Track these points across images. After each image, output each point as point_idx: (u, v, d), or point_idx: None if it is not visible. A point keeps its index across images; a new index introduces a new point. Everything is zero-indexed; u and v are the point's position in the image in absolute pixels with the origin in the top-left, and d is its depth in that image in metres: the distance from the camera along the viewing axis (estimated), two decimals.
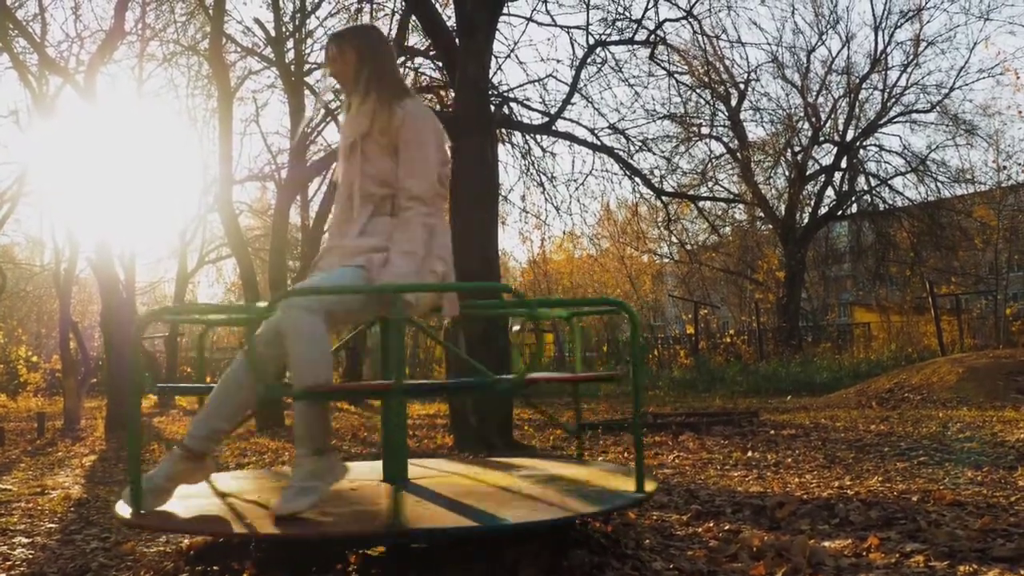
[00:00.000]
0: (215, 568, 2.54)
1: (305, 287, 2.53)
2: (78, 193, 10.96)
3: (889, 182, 19.62)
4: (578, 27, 11.73)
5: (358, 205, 2.72)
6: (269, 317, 2.51)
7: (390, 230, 2.66)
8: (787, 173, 20.49)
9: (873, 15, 30.74)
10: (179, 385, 3.47)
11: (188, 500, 2.70)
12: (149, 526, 2.39)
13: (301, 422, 2.51)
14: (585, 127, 12.58)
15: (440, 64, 10.64)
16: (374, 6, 11.92)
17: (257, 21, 14.52)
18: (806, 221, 20.39)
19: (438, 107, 12.08)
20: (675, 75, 13.13)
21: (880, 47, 19.57)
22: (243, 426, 8.34)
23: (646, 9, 16.43)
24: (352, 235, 2.70)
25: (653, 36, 11.67)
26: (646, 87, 29.39)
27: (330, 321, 2.53)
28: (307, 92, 12.83)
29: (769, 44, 27.06)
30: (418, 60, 12.48)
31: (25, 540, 3.17)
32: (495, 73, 11.58)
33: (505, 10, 8.89)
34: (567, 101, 10.71)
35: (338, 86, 2.90)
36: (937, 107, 19.26)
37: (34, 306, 27.25)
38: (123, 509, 2.53)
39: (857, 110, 20.04)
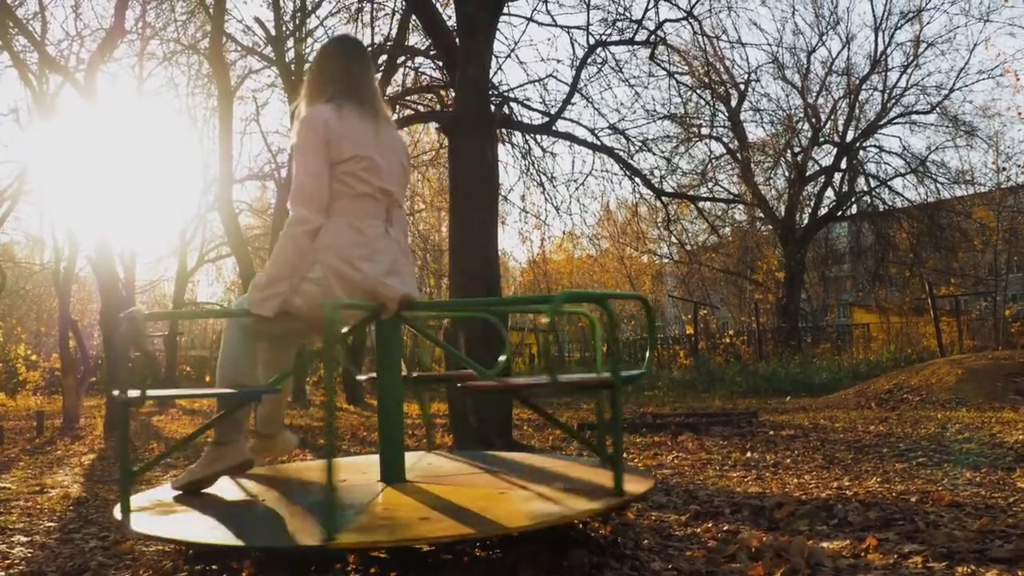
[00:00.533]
0: (214, 567, 2.54)
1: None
2: (78, 192, 10.96)
3: (889, 183, 19.63)
4: (578, 27, 11.73)
5: None
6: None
7: None
8: (787, 174, 20.51)
9: (873, 16, 30.66)
10: (171, 392, 3.50)
11: (189, 500, 2.70)
12: (142, 535, 2.39)
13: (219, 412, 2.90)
14: (585, 127, 12.59)
15: (440, 64, 10.63)
16: (374, 6, 11.90)
17: (257, 20, 14.53)
18: (806, 222, 20.39)
19: (438, 107, 12.09)
20: (675, 75, 13.13)
21: (880, 48, 19.59)
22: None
23: (646, 9, 16.44)
24: None
25: (653, 36, 11.66)
26: (646, 87, 29.46)
27: (259, 336, 2.94)
28: (305, 86, 12.81)
29: (769, 45, 27.01)
30: (418, 60, 12.49)
31: (24, 539, 3.17)
32: (495, 73, 11.58)
33: (505, 10, 8.89)
34: (567, 101, 10.69)
35: None
36: (937, 108, 19.27)
37: (33, 304, 27.26)
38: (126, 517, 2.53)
39: (857, 111, 20.06)
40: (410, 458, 3.26)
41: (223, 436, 2.91)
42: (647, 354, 2.84)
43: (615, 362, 2.50)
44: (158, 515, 2.57)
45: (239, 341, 2.90)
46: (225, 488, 2.96)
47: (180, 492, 2.89)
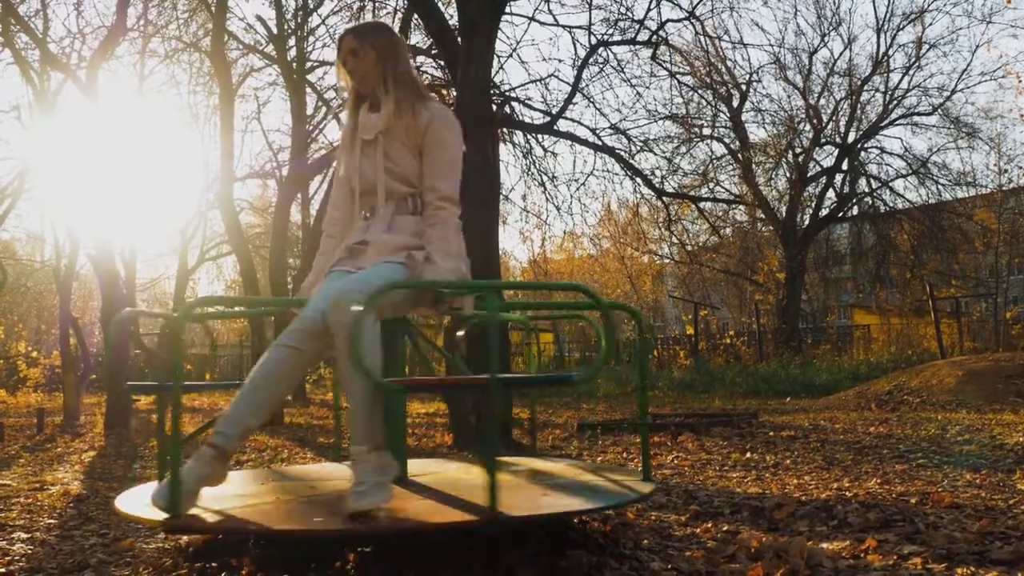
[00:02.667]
0: (214, 564, 2.54)
1: (360, 284, 2.45)
2: (79, 189, 10.96)
3: (890, 184, 19.63)
4: (580, 27, 11.76)
5: (382, 202, 2.74)
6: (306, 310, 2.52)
7: (417, 229, 2.71)
8: (788, 175, 20.50)
9: (875, 17, 30.78)
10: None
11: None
12: (148, 521, 2.39)
13: (359, 420, 2.43)
14: (587, 127, 12.63)
15: (442, 63, 10.65)
16: (376, 4, 11.93)
17: (259, 18, 14.58)
18: (807, 223, 20.39)
19: None
20: (677, 76, 13.15)
21: (882, 49, 19.58)
22: None
23: (648, 9, 16.43)
24: (378, 231, 2.71)
25: (655, 36, 11.68)
26: (648, 87, 29.49)
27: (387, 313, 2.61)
28: (308, 90, 12.83)
29: (771, 45, 27.08)
30: (420, 59, 12.49)
31: (24, 536, 3.17)
32: (497, 72, 11.58)
33: (507, 9, 8.89)
34: (569, 101, 10.72)
35: (341, 83, 2.89)
36: (939, 110, 19.27)
37: (34, 302, 27.26)
38: (125, 505, 2.54)
39: (859, 112, 20.05)
40: (410, 458, 3.26)
41: (381, 439, 2.44)
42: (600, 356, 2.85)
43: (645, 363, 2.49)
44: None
45: (373, 329, 2.45)
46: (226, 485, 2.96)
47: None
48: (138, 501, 2.62)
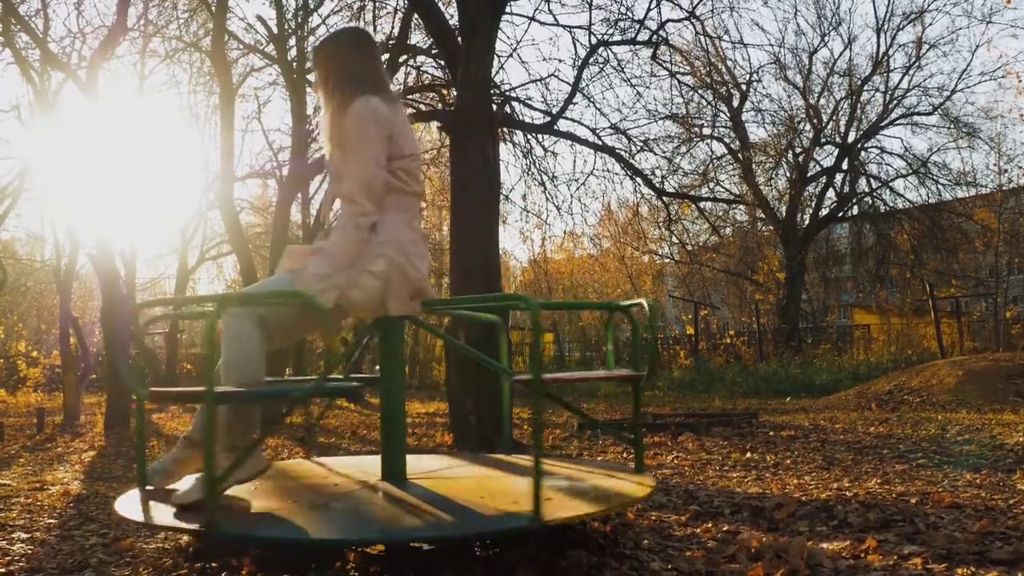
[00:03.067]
0: (214, 565, 2.54)
1: (231, 294, 2.65)
2: (79, 189, 10.95)
3: (890, 184, 19.62)
4: (580, 27, 11.74)
5: (327, 207, 2.85)
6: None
7: None
8: (788, 174, 20.49)
9: (875, 17, 30.73)
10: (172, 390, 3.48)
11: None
12: (150, 524, 2.39)
13: (222, 420, 2.51)
14: (587, 127, 12.61)
15: (442, 63, 10.63)
16: (376, 4, 11.92)
17: (259, 18, 14.57)
18: (807, 222, 20.38)
19: (440, 105, 12.08)
20: (677, 75, 13.12)
21: (882, 49, 19.57)
22: None
23: (648, 9, 16.41)
24: (319, 238, 2.84)
25: (655, 36, 11.66)
26: (648, 87, 29.47)
27: (267, 326, 2.61)
28: (309, 90, 12.82)
29: (771, 45, 26.97)
30: (420, 58, 12.48)
31: (24, 536, 3.17)
32: (497, 72, 11.56)
33: (507, 9, 8.88)
34: (569, 101, 10.69)
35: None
36: (939, 109, 19.25)
37: (34, 302, 27.26)
38: (123, 508, 2.54)
39: (859, 112, 20.04)
40: (410, 457, 3.26)
41: (239, 440, 2.55)
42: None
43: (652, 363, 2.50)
44: (164, 508, 2.57)
45: (252, 336, 2.57)
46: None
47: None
48: (137, 504, 2.62)
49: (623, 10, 12.61)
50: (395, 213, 2.78)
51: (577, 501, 2.45)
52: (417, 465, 3.28)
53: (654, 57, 12.31)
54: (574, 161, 30.36)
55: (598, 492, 2.60)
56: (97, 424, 9.00)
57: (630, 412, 8.80)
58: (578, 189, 13.61)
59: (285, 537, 2.22)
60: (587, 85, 12.18)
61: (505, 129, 11.46)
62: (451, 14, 8.78)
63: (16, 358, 18.45)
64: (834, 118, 20.32)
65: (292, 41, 12.34)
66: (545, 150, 12.91)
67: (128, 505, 2.56)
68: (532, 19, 11.25)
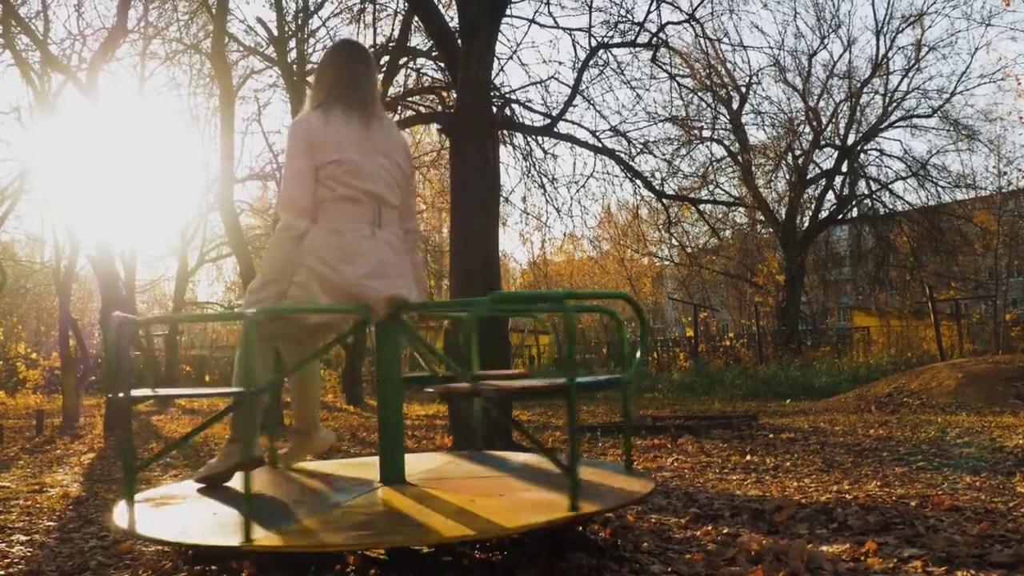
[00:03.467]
0: (213, 568, 2.54)
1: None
2: (79, 190, 10.96)
3: (890, 186, 19.65)
4: (580, 29, 11.75)
5: None
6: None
7: None
8: (788, 177, 20.51)
9: (875, 20, 30.70)
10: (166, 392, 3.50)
11: (183, 503, 2.70)
12: (147, 537, 2.39)
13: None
14: (587, 129, 12.61)
15: (442, 65, 10.65)
16: (376, 7, 11.92)
17: (260, 20, 14.57)
18: (806, 225, 20.39)
19: (440, 107, 12.09)
20: (677, 78, 13.15)
21: (881, 52, 19.60)
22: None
23: (648, 12, 16.39)
24: None
25: (655, 39, 11.67)
26: (648, 90, 29.44)
27: (266, 337, 2.95)
28: (309, 92, 12.83)
29: (771, 48, 27.00)
30: (420, 61, 12.50)
31: (23, 538, 3.17)
32: (497, 74, 11.58)
33: (508, 11, 8.89)
34: (569, 103, 10.70)
35: None
36: (938, 112, 19.28)
37: (34, 303, 27.24)
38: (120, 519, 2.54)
39: (858, 114, 20.07)
40: (410, 459, 3.26)
41: (236, 433, 3.00)
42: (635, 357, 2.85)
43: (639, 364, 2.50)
44: (159, 514, 2.57)
45: (253, 341, 2.87)
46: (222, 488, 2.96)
47: (200, 486, 2.98)
48: (137, 513, 2.62)
49: (623, 12, 12.61)
50: (324, 220, 2.90)
51: (587, 501, 2.45)
52: (416, 467, 3.28)
53: (654, 59, 12.33)
54: (574, 163, 30.39)
55: (601, 491, 2.60)
56: (96, 426, 9.00)
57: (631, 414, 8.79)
58: (578, 191, 13.66)
59: (282, 547, 2.22)
60: (587, 87, 12.20)
61: (505, 131, 11.47)
62: (451, 16, 8.80)
63: (15, 360, 18.44)
64: (833, 120, 20.36)
65: (292, 43, 12.35)
66: (545, 152, 12.94)
67: (121, 516, 2.56)
68: (532, 21, 11.27)
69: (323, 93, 3.07)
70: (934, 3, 24.54)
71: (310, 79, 12.99)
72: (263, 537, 2.20)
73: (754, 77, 18.79)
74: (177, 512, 2.63)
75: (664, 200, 14.17)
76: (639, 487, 2.68)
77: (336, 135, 2.94)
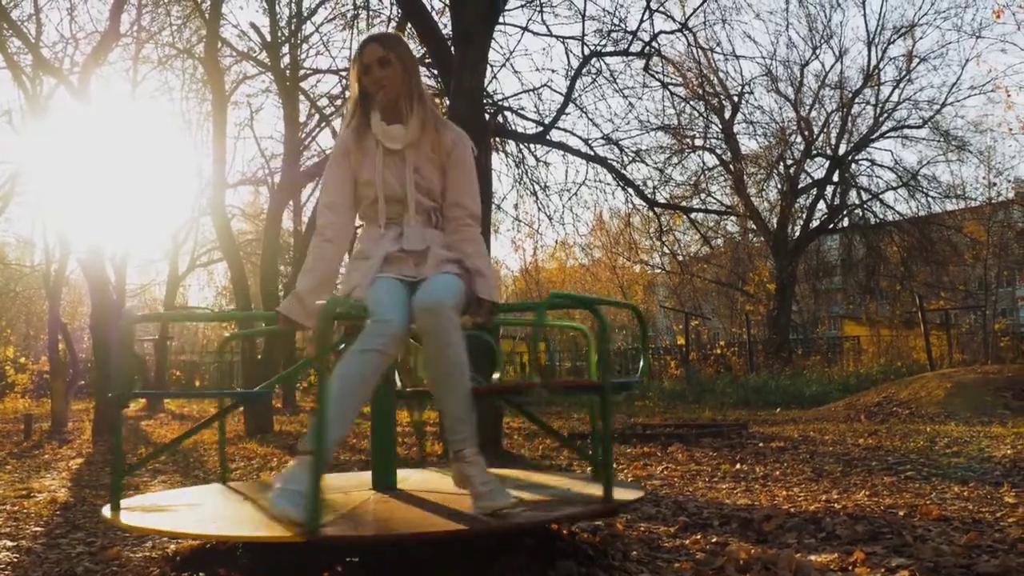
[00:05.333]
0: (201, 574, 2.53)
1: (450, 292, 2.50)
2: (71, 194, 10.93)
3: (880, 196, 19.74)
4: (573, 38, 11.79)
5: (412, 214, 2.73)
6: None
7: (445, 242, 2.74)
8: (779, 186, 20.59)
9: (867, 31, 30.92)
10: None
11: (179, 506, 2.69)
12: (134, 529, 2.38)
13: (466, 422, 2.49)
14: (579, 137, 12.64)
15: (435, 72, 10.65)
16: (370, 13, 11.95)
17: (253, 26, 14.53)
18: (797, 234, 20.47)
19: None
20: (669, 87, 13.19)
21: (873, 62, 19.72)
22: (231, 431, 8.29)
23: (641, 21, 16.49)
24: (418, 241, 2.69)
25: (648, 48, 11.74)
26: (640, 98, 29.40)
27: None
28: (301, 97, 12.83)
29: (763, 57, 27.26)
30: None
31: (10, 543, 3.15)
32: (490, 82, 11.62)
33: (501, 19, 8.92)
34: (561, 111, 10.75)
35: (355, 87, 2.80)
36: (929, 123, 19.41)
37: (23, 307, 27.13)
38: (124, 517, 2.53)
39: (850, 124, 20.17)
40: (401, 471, 3.26)
41: (478, 438, 2.52)
42: (640, 363, 2.86)
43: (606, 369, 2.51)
44: (148, 515, 2.56)
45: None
46: (216, 495, 2.96)
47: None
48: (132, 511, 2.61)
49: (616, 21, 12.70)
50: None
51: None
52: (407, 474, 3.28)
53: (646, 68, 12.37)
54: (566, 171, 30.50)
55: (592, 499, 2.61)
56: (85, 431, 8.96)
57: (623, 423, 8.80)
58: (570, 199, 13.73)
59: (276, 539, 2.22)
60: (580, 95, 12.23)
61: (498, 139, 11.49)
62: (444, 23, 8.83)
63: (4, 364, 18.32)
64: (825, 130, 20.46)
65: (285, 49, 12.35)
66: (537, 160, 12.95)
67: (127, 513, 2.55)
68: (525, 29, 11.30)
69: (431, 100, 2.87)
70: (925, 15, 24.80)
71: (303, 84, 13.03)
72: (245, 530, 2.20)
73: (746, 87, 18.84)
74: (169, 514, 2.62)
75: (656, 208, 14.22)
76: (628, 495, 2.69)
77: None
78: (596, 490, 2.80)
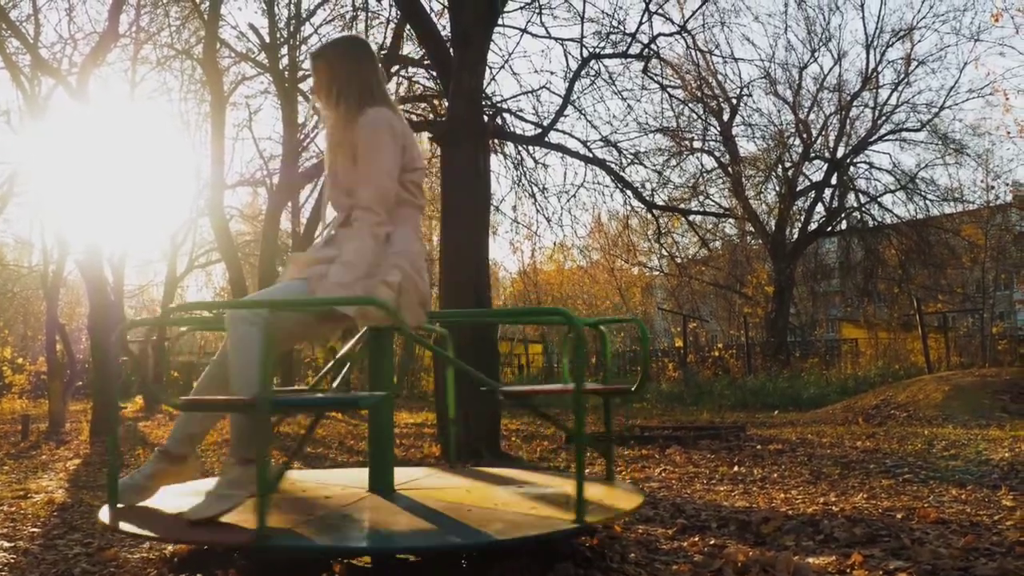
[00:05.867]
0: (199, 575, 2.53)
1: (244, 300, 2.60)
2: (69, 195, 10.92)
3: (879, 199, 19.75)
4: (572, 39, 11.79)
5: (328, 216, 2.79)
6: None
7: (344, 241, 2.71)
8: (777, 188, 20.59)
9: (865, 34, 31.03)
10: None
11: (174, 508, 2.69)
12: (130, 532, 2.38)
13: (234, 430, 2.53)
14: (578, 139, 12.61)
15: (435, 73, 10.66)
16: (369, 14, 11.95)
17: (251, 27, 14.54)
18: (796, 236, 20.47)
19: (432, 116, 12.10)
20: (668, 89, 13.18)
21: (871, 65, 19.73)
22: (223, 432, 8.26)
23: (640, 23, 16.42)
24: (316, 246, 2.81)
25: (647, 50, 11.73)
26: (639, 100, 29.57)
27: (276, 334, 2.47)
28: (300, 98, 12.83)
29: (762, 60, 27.21)
30: (412, 69, 12.51)
31: (7, 544, 3.15)
32: (489, 83, 11.60)
33: (500, 21, 8.92)
34: (560, 113, 10.74)
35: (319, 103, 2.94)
36: (927, 126, 19.41)
37: (21, 307, 27.06)
38: (104, 513, 2.53)
39: (848, 127, 20.18)
40: (399, 470, 3.26)
41: (246, 451, 2.47)
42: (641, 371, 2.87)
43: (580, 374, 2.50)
44: (143, 518, 2.56)
45: (261, 343, 2.42)
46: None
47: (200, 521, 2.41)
48: (130, 515, 2.61)
49: (615, 24, 12.70)
50: (405, 225, 2.81)
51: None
52: (404, 476, 3.27)
53: (645, 70, 12.37)
54: (564, 173, 30.50)
55: (591, 503, 2.60)
56: (83, 432, 8.94)
57: (621, 425, 8.80)
58: (568, 201, 13.68)
59: (273, 546, 2.21)
60: (578, 97, 12.24)
61: (496, 140, 11.49)
62: (443, 25, 8.83)
63: (1, 364, 18.30)
64: (823, 133, 20.46)
65: (284, 50, 12.36)
66: (536, 162, 12.96)
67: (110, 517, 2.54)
68: (524, 31, 11.30)
69: (376, 91, 2.84)
70: (924, 18, 24.83)
71: (302, 85, 13.02)
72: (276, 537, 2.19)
73: (745, 89, 18.85)
74: (163, 517, 2.61)
75: (654, 210, 14.21)
76: (627, 499, 2.69)
77: (415, 141, 2.86)
78: (595, 493, 2.80)
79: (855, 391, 12.45)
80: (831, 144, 20.29)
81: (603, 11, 33.82)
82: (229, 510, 2.38)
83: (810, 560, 2.60)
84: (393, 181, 2.75)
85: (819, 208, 20.59)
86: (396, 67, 12.18)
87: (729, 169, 19.37)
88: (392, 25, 11.55)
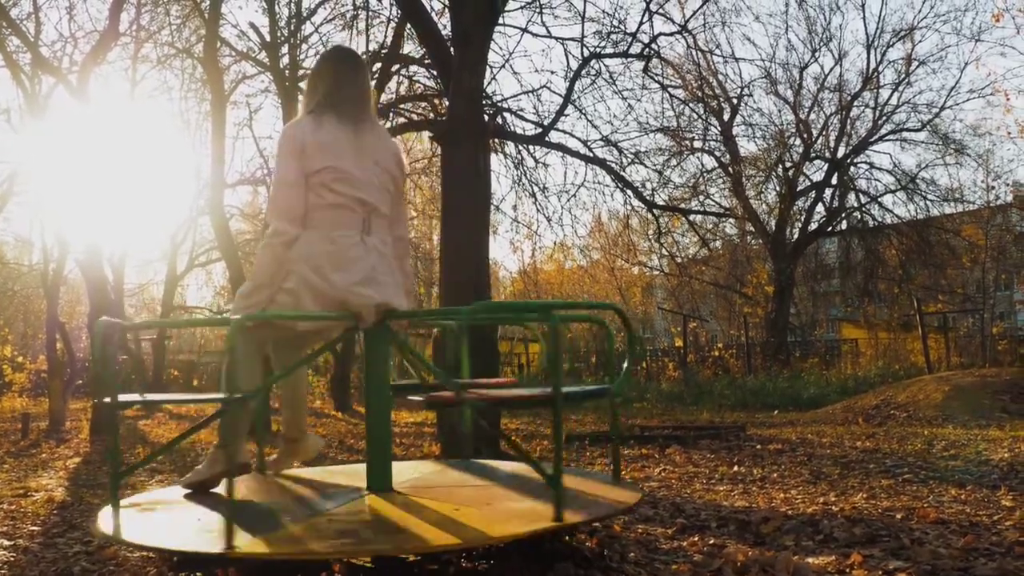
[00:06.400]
0: (198, 574, 2.53)
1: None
2: (69, 193, 10.91)
3: (879, 199, 19.74)
4: (573, 39, 11.82)
5: None
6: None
7: None
8: (778, 188, 20.59)
9: (866, 34, 30.97)
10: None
11: (168, 509, 2.69)
12: (130, 543, 2.38)
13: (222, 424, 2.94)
14: (578, 139, 12.60)
15: (435, 72, 10.67)
16: (369, 13, 11.95)
17: (252, 26, 14.53)
18: (796, 236, 20.47)
19: (432, 115, 12.11)
20: (668, 89, 13.18)
21: (872, 65, 19.72)
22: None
23: (641, 23, 16.44)
24: None
25: (647, 50, 11.73)
26: (639, 100, 29.53)
27: (256, 342, 2.96)
28: (301, 97, 12.84)
29: (762, 60, 27.24)
30: (412, 68, 12.52)
31: (7, 543, 3.15)
32: (489, 83, 11.60)
33: (500, 20, 8.92)
34: (560, 112, 10.74)
35: None
36: (928, 126, 19.40)
37: (21, 306, 27.06)
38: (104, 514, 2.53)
39: (848, 127, 20.17)
40: (397, 467, 3.26)
41: (222, 439, 2.99)
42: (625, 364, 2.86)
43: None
44: (143, 519, 2.56)
45: (240, 347, 2.76)
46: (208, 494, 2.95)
47: (186, 492, 2.98)
48: (124, 519, 2.61)
49: (616, 23, 12.70)
50: (314, 227, 2.90)
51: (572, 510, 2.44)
52: (403, 475, 3.27)
53: (646, 70, 12.37)
54: (565, 173, 30.53)
55: (587, 501, 2.60)
56: (83, 430, 8.95)
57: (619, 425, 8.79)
58: (568, 200, 13.70)
59: (265, 554, 2.21)
60: (579, 97, 12.24)
61: (496, 140, 11.49)
62: (444, 24, 8.82)
63: (2, 362, 18.29)
64: (824, 133, 20.46)
65: (284, 49, 12.35)
66: (536, 161, 12.96)
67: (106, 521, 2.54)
68: (525, 30, 11.30)
69: (316, 99, 3.07)
70: (925, 18, 24.83)
71: (302, 85, 13.00)
72: (247, 544, 2.20)
73: (745, 89, 18.85)
74: (162, 518, 2.62)
75: (655, 210, 14.22)
76: (626, 497, 2.69)
77: (328, 142, 2.94)
78: (595, 491, 2.80)
79: (855, 391, 12.44)
80: (831, 144, 20.30)
81: (604, 10, 33.87)
82: (208, 478, 2.95)
83: (810, 560, 2.60)
84: (293, 190, 2.90)
85: (819, 208, 20.61)
86: (397, 66, 12.19)
87: (729, 169, 19.37)
88: (393, 24, 11.56)
